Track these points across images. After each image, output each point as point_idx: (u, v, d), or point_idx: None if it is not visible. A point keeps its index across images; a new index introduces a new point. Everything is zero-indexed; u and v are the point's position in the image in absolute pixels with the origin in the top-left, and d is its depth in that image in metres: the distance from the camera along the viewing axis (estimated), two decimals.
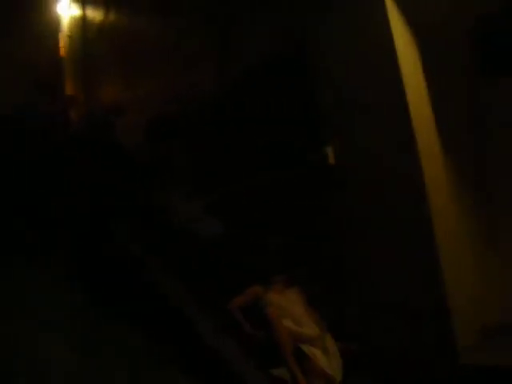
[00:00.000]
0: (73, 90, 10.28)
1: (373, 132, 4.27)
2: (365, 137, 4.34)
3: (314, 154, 4.64)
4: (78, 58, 10.54)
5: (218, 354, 3.49)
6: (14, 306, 3.04)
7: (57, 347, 2.84)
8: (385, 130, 4.18)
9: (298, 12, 4.92)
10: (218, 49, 6.14)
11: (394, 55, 4.10)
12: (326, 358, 3.70)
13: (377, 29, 4.25)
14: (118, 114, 7.53)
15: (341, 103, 4.51)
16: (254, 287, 4.22)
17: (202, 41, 6.46)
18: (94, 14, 9.57)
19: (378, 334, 4.02)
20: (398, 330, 3.91)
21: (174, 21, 7.07)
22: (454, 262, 3.96)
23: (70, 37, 11.09)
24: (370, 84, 4.28)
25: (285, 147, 5.13)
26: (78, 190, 5.41)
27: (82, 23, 10.22)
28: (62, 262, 4.34)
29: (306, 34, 4.83)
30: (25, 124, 6.81)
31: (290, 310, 3.96)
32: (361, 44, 4.36)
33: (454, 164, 4.37)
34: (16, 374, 2.40)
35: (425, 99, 4.31)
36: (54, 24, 11.83)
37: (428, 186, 3.93)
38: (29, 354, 2.65)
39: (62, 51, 12.80)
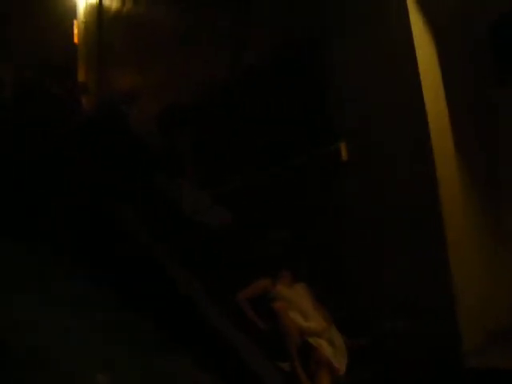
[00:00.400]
0: (85, 76, 10.29)
1: (387, 130, 4.27)
2: (379, 135, 4.34)
3: (327, 149, 4.64)
4: (92, 45, 10.53)
5: (226, 340, 3.49)
6: (17, 295, 3.00)
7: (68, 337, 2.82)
8: (400, 128, 4.18)
9: (312, 7, 4.92)
10: (231, 38, 6.12)
11: (412, 53, 4.10)
12: (332, 349, 3.72)
13: (395, 26, 4.24)
14: (131, 103, 7.52)
15: (355, 100, 4.51)
16: (263, 280, 4.23)
17: (216, 30, 6.43)
18: (111, 2, 9.55)
19: (382, 331, 4.02)
20: (403, 329, 3.91)
21: (189, 9, 7.06)
22: (463, 262, 3.96)
23: (84, 23, 11.07)
24: (387, 82, 4.27)
25: (297, 139, 5.12)
26: (89, 175, 5.40)
27: (98, 10, 10.19)
28: (70, 250, 4.31)
29: (319, 29, 4.84)
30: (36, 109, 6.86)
31: (298, 304, 3.99)
32: (378, 40, 4.35)
33: (466, 163, 4.35)
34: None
35: (441, 98, 4.29)
36: (70, 10, 11.86)
37: (441, 186, 3.93)
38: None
39: (76, 38, 12.82)
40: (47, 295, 2.98)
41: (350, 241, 4.42)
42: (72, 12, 12.02)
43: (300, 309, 3.94)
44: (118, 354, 2.85)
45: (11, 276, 3.16)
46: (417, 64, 4.06)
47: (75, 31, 12.87)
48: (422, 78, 4.05)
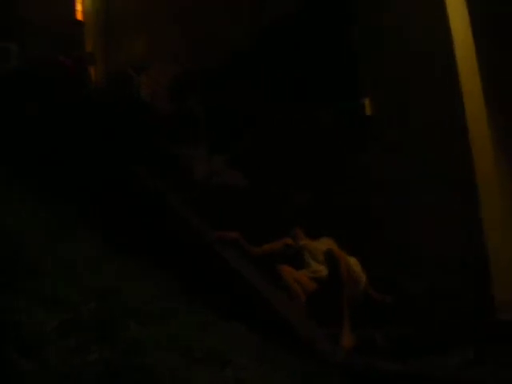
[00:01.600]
0: (93, 46, 10.11)
1: (414, 84, 4.15)
2: (405, 89, 4.21)
3: (351, 104, 4.53)
4: (99, 14, 10.34)
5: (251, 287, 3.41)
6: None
7: None
8: (428, 81, 4.05)
9: None
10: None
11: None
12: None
13: None
14: (139, 69, 7.44)
15: (384, 55, 4.37)
16: (284, 239, 4.17)
17: None
18: None
19: (414, 284, 3.92)
20: (437, 281, 3.82)
21: None
22: (497, 221, 3.83)
23: None
24: (418, 36, 4.13)
25: (319, 96, 4.98)
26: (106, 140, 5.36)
27: None
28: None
29: None
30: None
31: None
32: None
33: (499, 110, 4.16)
34: None
35: (471, 46, 4.11)
36: None
37: (472, 138, 3.82)
38: None
39: (79, 15, 12.64)
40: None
41: (377, 198, 4.30)
42: None
43: None
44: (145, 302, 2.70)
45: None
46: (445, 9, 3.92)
47: (78, 8, 12.71)
48: (451, 24, 3.93)
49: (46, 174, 4.50)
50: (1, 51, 8.66)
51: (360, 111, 4.43)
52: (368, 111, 4.42)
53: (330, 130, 4.72)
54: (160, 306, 2.56)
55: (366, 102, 4.44)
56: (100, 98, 7.01)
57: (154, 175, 4.97)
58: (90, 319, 1.71)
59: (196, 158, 5.71)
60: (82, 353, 1.49)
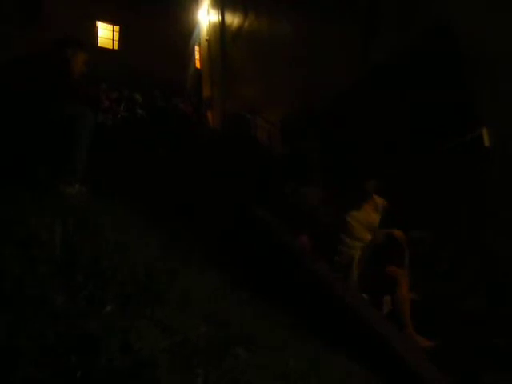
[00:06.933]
0: (210, 91, 10.67)
1: None
2: None
3: (468, 136, 4.35)
4: (215, 61, 10.92)
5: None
6: None
7: None
8: None
9: None
10: (358, 42, 6.04)
11: None
12: None
13: None
14: (254, 114, 7.78)
15: (496, 81, 4.19)
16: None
17: (341, 35, 6.37)
18: (233, 19, 9.84)
19: None
20: None
21: (309, 19, 7.11)
22: None
23: (208, 41, 11.57)
24: None
25: (435, 130, 4.83)
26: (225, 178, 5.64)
27: (221, 27, 10.54)
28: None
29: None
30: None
31: None
32: None
33: None
34: None
35: None
36: (191, 34, 12.54)
37: None
38: None
39: (198, 63, 13.49)
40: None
41: (496, 233, 4.07)
42: (194, 37, 12.68)
43: None
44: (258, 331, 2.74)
45: None
46: None
47: (197, 56, 13.58)
48: None
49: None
50: (129, 100, 9.48)
51: (477, 143, 4.24)
52: (486, 142, 4.22)
53: (447, 165, 4.54)
54: (273, 337, 2.60)
55: (484, 132, 4.24)
56: (220, 138, 7.43)
57: (272, 213, 5.12)
58: (199, 344, 1.76)
59: (310, 195, 5.77)
60: (188, 375, 1.52)
